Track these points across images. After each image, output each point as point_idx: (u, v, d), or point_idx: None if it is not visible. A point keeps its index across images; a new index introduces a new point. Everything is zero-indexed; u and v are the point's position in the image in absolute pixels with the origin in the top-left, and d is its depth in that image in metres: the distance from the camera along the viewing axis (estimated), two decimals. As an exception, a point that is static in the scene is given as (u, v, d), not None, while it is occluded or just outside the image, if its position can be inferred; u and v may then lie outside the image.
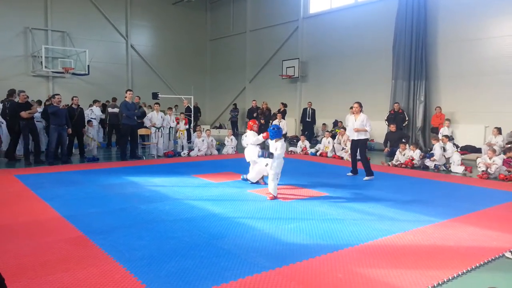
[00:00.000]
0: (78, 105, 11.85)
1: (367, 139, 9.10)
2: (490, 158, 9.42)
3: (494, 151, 9.69)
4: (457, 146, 11.21)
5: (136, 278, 3.57)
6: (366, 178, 8.75)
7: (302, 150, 13.70)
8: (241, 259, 4.07)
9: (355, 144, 9.11)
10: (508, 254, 4.28)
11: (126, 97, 11.61)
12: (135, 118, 11.91)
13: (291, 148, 14.13)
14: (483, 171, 9.35)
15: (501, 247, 4.48)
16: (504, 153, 9.58)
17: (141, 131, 12.70)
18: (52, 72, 19.31)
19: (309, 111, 16.92)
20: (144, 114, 13.23)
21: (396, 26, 14.91)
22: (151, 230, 5.01)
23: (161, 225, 5.22)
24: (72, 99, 11.72)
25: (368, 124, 8.87)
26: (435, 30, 14.14)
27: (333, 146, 12.86)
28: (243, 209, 6.14)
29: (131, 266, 3.84)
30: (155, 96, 15.63)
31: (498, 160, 9.32)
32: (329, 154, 12.70)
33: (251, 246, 4.47)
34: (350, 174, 9.31)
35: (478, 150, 11.90)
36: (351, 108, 15.12)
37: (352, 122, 9.03)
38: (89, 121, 12.62)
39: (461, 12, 13.46)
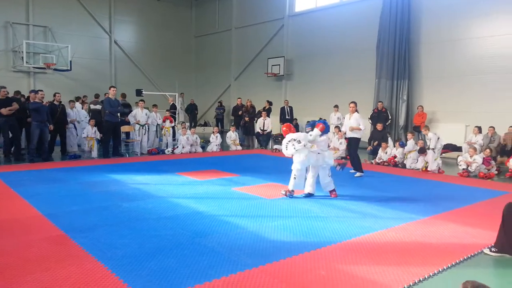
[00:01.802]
0: (60, 102, 11.65)
1: (359, 138, 9.20)
2: (470, 157, 9.60)
3: (475, 149, 9.88)
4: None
5: (117, 277, 3.53)
6: (358, 174, 9.03)
7: (286, 148, 13.72)
8: (225, 257, 4.06)
9: (349, 142, 9.36)
10: (486, 250, 4.37)
11: (109, 93, 11.46)
12: (118, 115, 11.76)
13: (276, 146, 14.16)
14: (463, 169, 9.52)
15: (480, 244, 4.57)
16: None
17: (124, 128, 12.56)
18: (34, 67, 18.91)
19: (287, 109, 16.94)
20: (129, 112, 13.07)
21: (380, 25, 15.05)
22: (133, 228, 4.96)
23: (144, 223, 5.17)
24: (55, 96, 11.52)
25: (361, 123, 9.02)
26: (418, 30, 14.31)
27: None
28: (227, 207, 6.13)
29: (113, 265, 3.79)
30: (139, 93, 15.47)
31: (479, 158, 9.51)
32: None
33: (235, 244, 4.46)
34: (359, 174, 9.13)
35: (459, 149, 12.12)
36: (335, 106, 15.39)
37: (347, 120, 9.23)
38: (91, 119, 12.18)
39: (443, 13, 13.65)
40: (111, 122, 11.36)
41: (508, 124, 11.56)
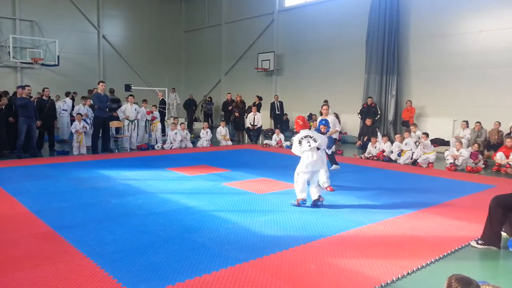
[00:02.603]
0: (49, 97, 11.50)
1: (336, 138, 9.07)
2: (457, 150, 9.72)
3: (461, 143, 10.00)
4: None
5: (107, 273, 3.51)
6: (333, 167, 8.66)
7: (277, 143, 13.76)
8: (215, 252, 4.06)
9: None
10: (473, 243, 4.43)
11: (98, 88, 11.36)
12: (107, 110, 11.66)
13: (266, 141, 14.17)
14: (451, 163, 9.63)
15: (467, 236, 4.64)
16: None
17: (113, 124, 12.46)
18: (21, 62, 18.63)
19: (277, 104, 16.93)
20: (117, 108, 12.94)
21: (370, 20, 15.10)
22: (123, 224, 4.93)
23: (134, 219, 5.15)
24: (43, 91, 11.36)
25: (337, 124, 8.76)
26: (407, 26, 14.40)
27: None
28: (217, 202, 6.13)
29: (102, 261, 3.77)
30: (127, 88, 15.35)
31: (465, 152, 9.63)
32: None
33: (226, 239, 4.47)
34: (335, 167, 8.86)
35: (447, 143, 12.26)
36: (325, 101, 15.40)
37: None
38: (78, 114, 12.02)
39: (432, 8, 13.74)
40: (100, 117, 11.26)
41: (494, 119, 11.71)
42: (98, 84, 11.46)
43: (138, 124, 12.72)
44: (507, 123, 11.40)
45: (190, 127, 18.90)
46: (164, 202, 6.05)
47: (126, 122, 12.43)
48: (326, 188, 6.94)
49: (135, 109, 12.66)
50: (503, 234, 4.51)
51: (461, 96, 13.07)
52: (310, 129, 6.20)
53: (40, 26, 19.50)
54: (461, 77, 13.11)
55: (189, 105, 20.21)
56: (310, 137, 5.92)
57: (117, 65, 22.24)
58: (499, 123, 11.56)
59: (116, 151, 11.88)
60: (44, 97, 11.26)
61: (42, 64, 18.55)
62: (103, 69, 21.76)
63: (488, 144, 11.57)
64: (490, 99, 12.40)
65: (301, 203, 5.92)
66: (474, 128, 11.85)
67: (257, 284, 3.36)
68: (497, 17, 12.27)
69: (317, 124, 6.97)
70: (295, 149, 6.04)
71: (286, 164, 10.06)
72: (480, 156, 9.96)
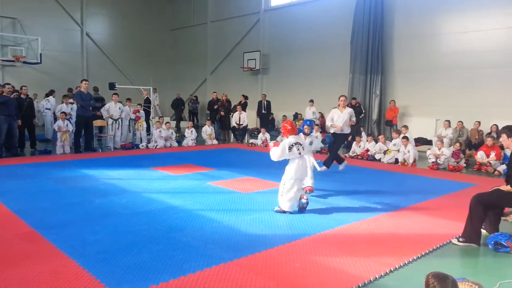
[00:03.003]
0: (27, 95, 11.29)
1: (348, 134, 8.52)
2: (439, 149, 9.88)
3: (442, 142, 10.17)
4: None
5: (90, 273, 3.47)
6: (323, 168, 7.83)
7: (262, 142, 13.78)
8: (200, 251, 4.05)
9: (337, 138, 8.32)
10: (454, 241, 4.51)
11: (80, 87, 11.22)
12: (90, 108, 11.52)
13: (251, 140, 14.18)
14: (433, 162, 9.78)
15: (448, 234, 4.72)
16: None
17: (96, 123, 12.32)
18: (2, 60, 18.26)
19: (264, 103, 16.96)
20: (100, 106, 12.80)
21: (354, 20, 15.23)
22: (106, 224, 4.88)
23: (117, 219, 5.10)
24: (21, 89, 11.16)
25: (354, 117, 8.37)
26: (391, 26, 14.57)
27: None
28: (202, 201, 6.11)
29: (85, 261, 3.72)
30: (111, 86, 15.17)
31: (447, 151, 9.80)
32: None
33: (210, 238, 4.46)
34: (324, 168, 7.99)
35: (430, 142, 12.45)
36: (310, 101, 15.53)
37: (339, 116, 8.14)
38: (62, 113, 11.85)
39: (416, 9, 13.93)
40: (82, 116, 11.11)
41: (475, 118, 11.94)
42: (81, 82, 11.33)
43: (122, 123, 12.59)
44: (488, 123, 11.63)
45: (177, 127, 18.80)
46: (148, 201, 6.01)
47: (110, 121, 12.29)
48: (305, 188, 6.56)
49: (119, 108, 12.53)
50: (483, 231, 4.60)
51: (444, 96, 13.28)
52: (297, 134, 5.94)
53: (22, 24, 19.13)
54: (443, 77, 13.32)
55: (177, 105, 20.07)
56: (300, 144, 5.66)
57: (101, 63, 21.97)
58: (479, 123, 11.80)
59: (100, 150, 11.74)
60: (22, 95, 11.06)
61: (24, 62, 18.23)
62: (86, 67, 21.47)
63: (469, 143, 11.79)
64: (471, 99, 12.63)
65: (287, 213, 5.52)
66: (456, 127, 12.06)
67: (241, 283, 3.37)
68: (480, 18, 12.49)
69: (301, 124, 6.97)
70: (278, 154, 5.58)
71: (271, 163, 10.05)
72: (462, 155, 10.15)
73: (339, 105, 8.23)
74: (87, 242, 4.24)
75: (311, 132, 6.87)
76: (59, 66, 20.19)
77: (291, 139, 5.66)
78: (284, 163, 5.84)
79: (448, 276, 2.24)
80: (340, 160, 8.13)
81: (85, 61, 21.48)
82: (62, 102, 13.26)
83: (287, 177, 5.61)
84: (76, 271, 3.52)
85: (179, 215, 5.33)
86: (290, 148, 5.57)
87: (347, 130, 8.25)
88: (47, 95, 14.87)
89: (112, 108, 12.41)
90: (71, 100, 12.93)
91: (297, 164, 5.60)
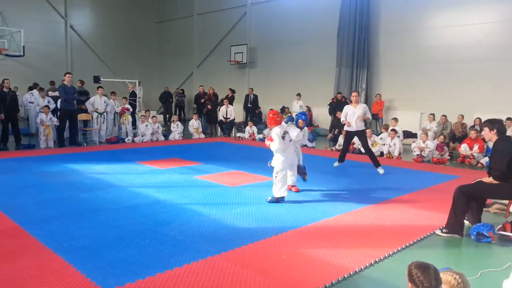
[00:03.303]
0: (10, 89, 11.08)
1: (365, 130, 8.51)
2: (424, 142, 10.01)
3: (426, 135, 10.31)
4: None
5: (75, 268, 3.45)
6: (381, 171, 8.07)
7: (250, 136, 13.78)
8: (187, 245, 4.05)
9: (352, 136, 8.59)
10: (438, 232, 4.60)
11: (64, 80, 11.05)
12: (75, 102, 11.36)
13: (239, 134, 14.17)
14: (418, 154, 9.91)
15: (432, 225, 4.80)
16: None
17: (81, 116, 12.16)
18: (-17, 53, 17.85)
19: (251, 97, 16.93)
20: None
21: (341, 15, 15.26)
22: (92, 219, 4.84)
23: (103, 214, 5.06)
24: (3, 82, 10.93)
25: (368, 113, 8.35)
26: (377, 20, 14.64)
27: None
28: (189, 195, 6.10)
29: (70, 256, 3.69)
30: (96, 79, 14.98)
31: (431, 144, 9.94)
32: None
33: (197, 232, 4.46)
34: (337, 164, 8.64)
35: (415, 135, 12.59)
36: (298, 94, 15.55)
37: (353, 111, 8.17)
38: (46, 106, 11.61)
39: (402, 3, 14.00)
40: (66, 109, 10.96)
41: (459, 112, 12.12)
42: (65, 75, 11.15)
43: (107, 116, 12.45)
44: (471, 116, 11.82)
45: (165, 120, 18.65)
46: (134, 196, 5.97)
47: (95, 114, 12.15)
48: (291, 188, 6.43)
49: (105, 101, 12.38)
50: (466, 222, 4.69)
51: (428, 89, 13.44)
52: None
53: (4, 16, 18.68)
54: (428, 71, 13.46)
55: (165, 98, 19.91)
56: (287, 132, 5.84)
57: (85, 56, 21.62)
58: (462, 116, 11.98)
59: (85, 144, 11.61)
60: (4, 89, 10.83)
61: (6, 55, 17.84)
62: (71, 60, 21.12)
63: (453, 136, 11.96)
64: (455, 93, 12.81)
65: (280, 200, 5.72)
66: (439, 121, 12.23)
67: (228, 276, 3.38)
68: (465, 13, 12.62)
69: (295, 118, 6.87)
70: (277, 145, 5.69)
71: (258, 157, 10.09)
72: (446, 148, 10.30)
73: (351, 102, 8.29)
74: (73, 237, 4.20)
75: (305, 127, 6.84)
76: (42, 59, 19.81)
77: (278, 129, 5.78)
78: (271, 157, 5.89)
79: (430, 266, 2.30)
80: (376, 163, 8.18)
81: (69, 54, 21.12)
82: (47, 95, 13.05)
83: (278, 167, 5.75)
84: (61, 266, 3.49)
85: (166, 209, 5.32)
86: (283, 137, 5.75)
87: (362, 126, 8.28)
88: (30, 88, 14.61)
89: (97, 101, 12.25)
90: (55, 93, 12.72)
91: (286, 153, 5.78)
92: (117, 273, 3.38)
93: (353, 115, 8.15)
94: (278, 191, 5.69)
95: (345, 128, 8.58)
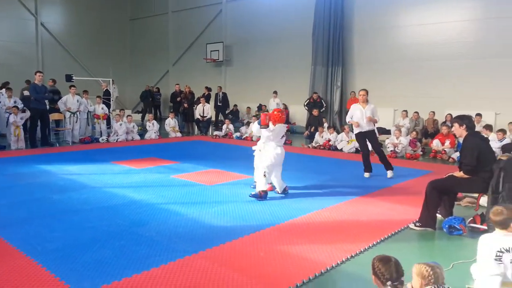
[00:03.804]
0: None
1: (375, 130, 7.87)
2: (397, 138, 10.23)
3: (400, 131, 10.54)
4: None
5: (49, 271, 3.37)
6: (390, 174, 7.52)
7: (227, 134, 13.74)
8: (164, 245, 4.02)
9: (363, 136, 7.71)
10: (411, 225, 4.71)
11: (35, 79, 10.75)
12: (46, 101, 11.06)
13: (216, 133, 14.12)
14: (391, 150, 10.12)
15: (406, 219, 4.91)
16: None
17: (53, 116, 11.86)
18: None
19: (220, 96, 16.82)
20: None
21: (315, 12, 15.36)
22: (65, 220, 4.73)
23: (77, 215, 4.96)
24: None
25: (376, 114, 7.74)
26: (351, 19, 14.81)
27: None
28: (166, 195, 6.04)
29: (43, 259, 3.61)
30: (68, 78, 14.60)
31: (404, 140, 10.17)
32: (254, 138, 12.88)
33: (174, 231, 4.43)
34: (367, 175, 7.68)
35: (388, 132, 12.84)
36: (274, 92, 15.59)
37: (361, 111, 7.61)
38: (14, 107, 11.20)
39: (374, 2, 14.22)
40: (37, 109, 10.67)
41: (431, 108, 12.43)
42: (35, 74, 10.85)
43: (80, 116, 12.18)
44: (443, 112, 12.13)
45: (143, 120, 18.34)
46: (109, 196, 5.87)
47: (68, 114, 11.86)
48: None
49: (77, 101, 12.11)
50: (438, 216, 4.82)
51: (401, 86, 13.70)
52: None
53: (-32, 12, 18.02)
54: (400, 68, 13.73)
55: (145, 96, 19.59)
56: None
57: (57, 55, 21.05)
58: (434, 113, 12.30)
59: (57, 144, 11.33)
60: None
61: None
62: (42, 58, 20.52)
63: (425, 132, 12.27)
64: (427, 90, 13.10)
65: (264, 196, 5.74)
66: (412, 117, 12.50)
67: (206, 275, 3.37)
68: (436, 11, 12.87)
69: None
70: (255, 128, 6.06)
71: (236, 156, 10.10)
72: (418, 144, 10.55)
73: (359, 100, 7.65)
74: (46, 240, 4.10)
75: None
76: (12, 57, 19.17)
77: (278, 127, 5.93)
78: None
79: (391, 258, 2.44)
80: (387, 166, 7.60)
81: (40, 52, 20.52)
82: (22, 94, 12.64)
83: (266, 163, 5.84)
84: (34, 269, 3.41)
85: (142, 209, 5.25)
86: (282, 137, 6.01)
87: (369, 126, 7.64)
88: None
89: (69, 100, 11.97)
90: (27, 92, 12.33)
91: (273, 149, 5.90)
92: (92, 275, 3.32)
93: (361, 116, 7.54)
94: (263, 185, 5.79)
95: (354, 130, 7.89)
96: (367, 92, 7.73)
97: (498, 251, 2.87)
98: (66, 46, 21.35)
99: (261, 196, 5.76)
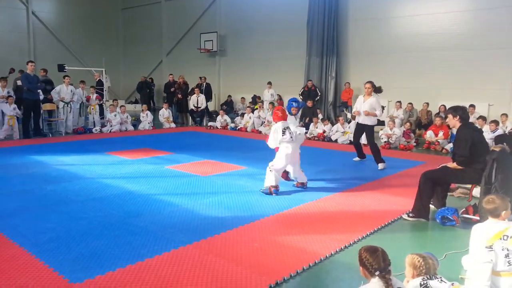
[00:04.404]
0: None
1: (373, 126, 7.79)
2: (391, 129, 10.26)
3: (394, 122, 10.57)
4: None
5: (42, 262, 3.36)
6: (382, 166, 7.52)
7: (221, 125, 13.70)
8: (158, 235, 4.01)
9: (360, 128, 7.85)
10: (405, 216, 4.74)
11: (27, 69, 10.63)
12: (39, 91, 10.95)
13: (210, 123, 14.07)
14: (385, 141, 10.16)
15: (399, 210, 4.94)
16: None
17: (46, 106, 11.75)
18: None
19: (203, 86, 16.61)
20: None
21: (310, 3, 15.28)
22: (59, 211, 4.71)
23: (71, 206, 4.93)
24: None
25: (378, 108, 7.61)
26: (346, 8, 14.75)
27: (253, 121, 13.04)
28: (160, 185, 6.03)
29: (37, 250, 3.59)
30: (61, 68, 14.48)
31: (398, 131, 10.21)
32: (249, 129, 12.87)
33: (168, 222, 4.43)
34: (357, 159, 8.12)
35: (382, 123, 12.86)
36: (268, 83, 15.53)
37: (361, 104, 7.69)
38: (9, 96, 11.06)
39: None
40: (30, 99, 10.58)
41: (424, 99, 12.47)
42: (27, 64, 10.73)
43: (73, 106, 12.08)
44: (437, 103, 12.18)
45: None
46: (103, 187, 5.85)
47: (61, 104, 11.75)
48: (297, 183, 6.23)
49: (71, 91, 12.00)
50: (431, 207, 4.86)
51: (395, 77, 13.70)
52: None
53: (-42, 0, 17.70)
54: (394, 59, 13.73)
55: (142, 88, 19.43)
56: (289, 128, 5.75)
57: (49, 44, 20.80)
58: (427, 104, 12.35)
59: (50, 135, 11.24)
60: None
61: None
62: (33, 48, 20.26)
63: (419, 123, 12.32)
64: (420, 81, 13.13)
65: (274, 192, 5.58)
66: (406, 108, 12.54)
67: (200, 265, 3.38)
68: (430, 2, 12.86)
69: (287, 106, 6.52)
70: (272, 138, 5.75)
71: (230, 146, 10.09)
72: (412, 135, 10.60)
73: (365, 93, 7.71)
74: (39, 231, 4.08)
75: (298, 113, 6.66)
76: (3, 47, 18.90)
77: (281, 124, 5.75)
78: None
79: (378, 248, 2.45)
80: (377, 159, 7.60)
81: (32, 42, 20.26)
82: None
83: (275, 165, 5.70)
84: (28, 260, 3.39)
85: (136, 200, 5.24)
86: (283, 132, 5.69)
87: (370, 121, 7.64)
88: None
89: (63, 90, 11.87)
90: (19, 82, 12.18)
91: (285, 150, 5.71)
92: (87, 266, 3.32)
93: (361, 108, 7.64)
94: (270, 181, 5.61)
95: (356, 119, 8.05)
96: (372, 85, 7.58)
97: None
98: (57, 36, 21.09)
99: (271, 192, 5.59)
